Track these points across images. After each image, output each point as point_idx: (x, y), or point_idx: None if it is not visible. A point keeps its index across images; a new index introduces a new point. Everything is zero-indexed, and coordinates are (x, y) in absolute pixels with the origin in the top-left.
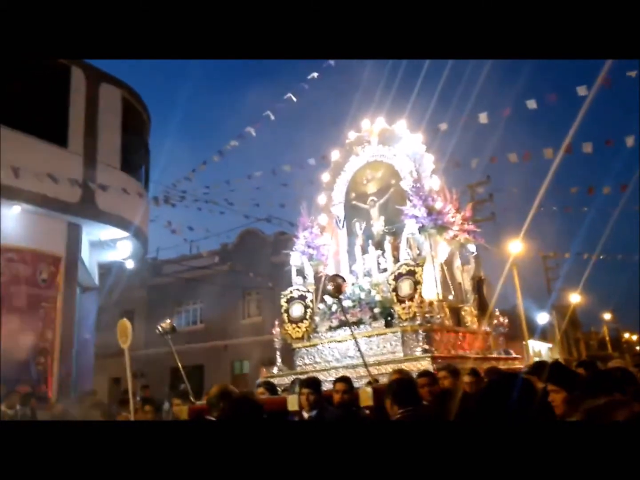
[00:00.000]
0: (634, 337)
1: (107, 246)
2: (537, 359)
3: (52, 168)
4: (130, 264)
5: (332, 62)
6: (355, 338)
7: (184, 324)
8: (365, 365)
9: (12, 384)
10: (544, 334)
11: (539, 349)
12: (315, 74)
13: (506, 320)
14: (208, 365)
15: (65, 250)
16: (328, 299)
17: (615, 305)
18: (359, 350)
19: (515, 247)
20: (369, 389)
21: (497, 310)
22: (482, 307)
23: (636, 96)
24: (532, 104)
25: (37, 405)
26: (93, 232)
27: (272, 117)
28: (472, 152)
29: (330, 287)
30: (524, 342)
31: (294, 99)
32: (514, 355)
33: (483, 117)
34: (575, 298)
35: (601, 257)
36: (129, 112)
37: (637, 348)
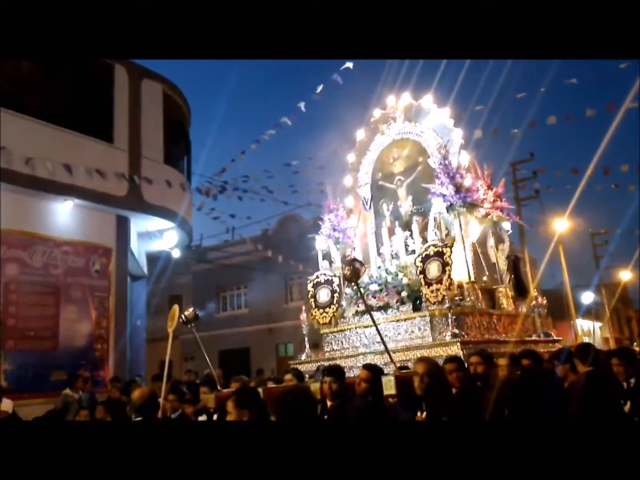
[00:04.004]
0: None
1: (154, 236)
2: (586, 339)
3: (100, 164)
4: (176, 253)
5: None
6: (376, 325)
7: (229, 309)
8: (388, 353)
9: (73, 370)
10: (595, 313)
11: (589, 328)
12: (349, 64)
13: (545, 301)
14: (253, 348)
15: (115, 241)
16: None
17: None
18: (381, 338)
19: (561, 225)
20: (392, 377)
21: (535, 290)
22: (518, 287)
23: None
24: (572, 80)
25: (94, 389)
26: (140, 224)
27: (304, 110)
28: (514, 125)
29: (346, 271)
30: (572, 322)
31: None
32: (554, 337)
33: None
34: (625, 275)
35: None
36: (170, 106)
37: None
